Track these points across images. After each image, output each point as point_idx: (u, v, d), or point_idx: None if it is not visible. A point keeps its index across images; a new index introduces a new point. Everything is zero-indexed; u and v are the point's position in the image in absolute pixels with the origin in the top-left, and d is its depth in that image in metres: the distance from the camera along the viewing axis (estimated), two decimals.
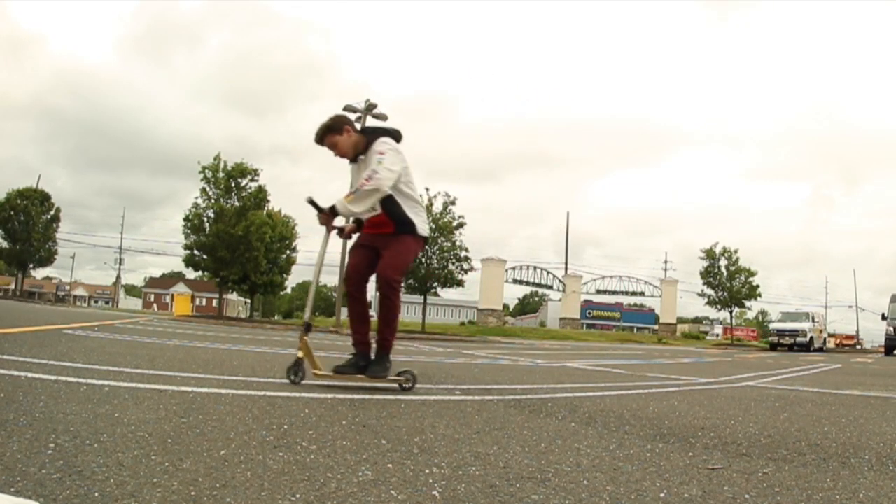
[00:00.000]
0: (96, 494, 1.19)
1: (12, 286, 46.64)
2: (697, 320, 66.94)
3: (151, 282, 76.95)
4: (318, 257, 3.48)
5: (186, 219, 27.25)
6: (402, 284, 3.27)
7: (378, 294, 3.31)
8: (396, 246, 3.31)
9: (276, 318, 53.88)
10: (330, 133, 3.30)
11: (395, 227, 3.31)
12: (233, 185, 27.30)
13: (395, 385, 3.26)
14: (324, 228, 3.32)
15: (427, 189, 22.86)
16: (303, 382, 3.20)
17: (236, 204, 27.31)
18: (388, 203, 3.25)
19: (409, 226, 3.32)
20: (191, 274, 33.78)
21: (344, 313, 29.07)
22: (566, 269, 42.80)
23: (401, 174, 3.23)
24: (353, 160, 3.37)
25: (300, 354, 3.23)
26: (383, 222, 3.32)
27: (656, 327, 44.46)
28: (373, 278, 3.39)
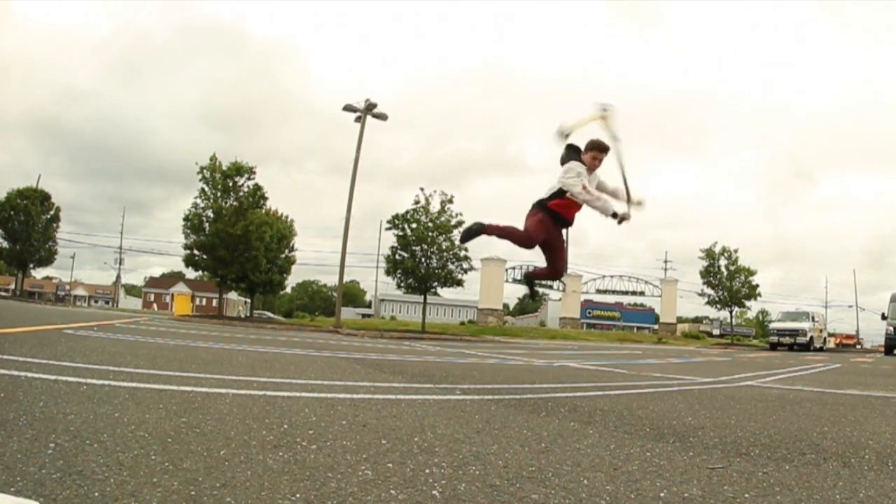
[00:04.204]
0: (96, 494, 1.19)
1: (12, 286, 46.65)
2: (697, 320, 66.94)
3: (151, 281, 76.92)
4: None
5: (186, 219, 27.24)
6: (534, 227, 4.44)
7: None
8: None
9: (274, 316, 53.85)
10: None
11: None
12: (230, 184, 27.30)
13: None
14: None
15: (422, 189, 22.85)
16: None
17: (234, 203, 27.32)
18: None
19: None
20: (191, 273, 33.77)
21: (344, 313, 29.01)
22: (566, 268, 42.75)
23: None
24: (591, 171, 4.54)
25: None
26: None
27: (656, 327, 44.47)
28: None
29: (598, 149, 4.41)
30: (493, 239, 4.55)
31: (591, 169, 4.42)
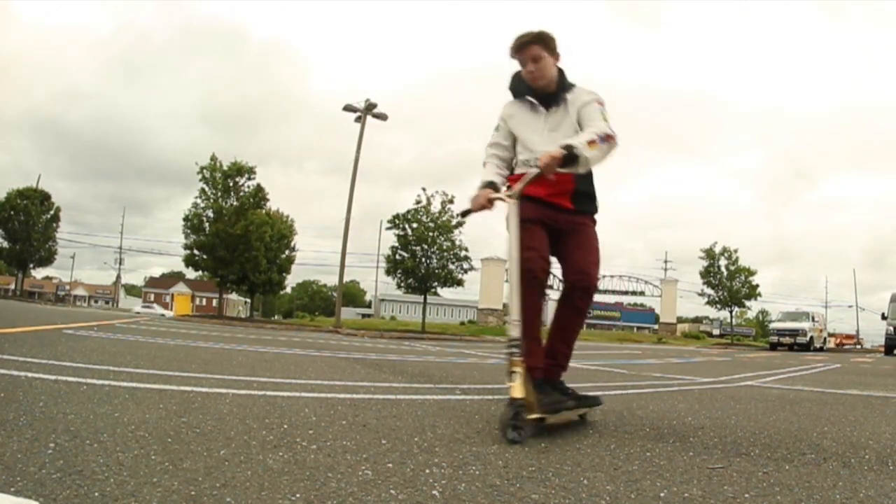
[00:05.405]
0: (96, 494, 1.19)
1: (12, 286, 46.64)
2: (697, 320, 66.93)
3: (151, 281, 76.94)
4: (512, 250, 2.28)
5: (186, 219, 27.29)
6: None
7: (569, 298, 2.46)
8: (588, 234, 2.51)
9: (275, 317, 53.86)
10: (541, 44, 2.43)
11: (575, 204, 2.46)
12: (230, 184, 27.31)
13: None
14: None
15: (424, 189, 22.86)
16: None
17: (234, 203, 27.33)
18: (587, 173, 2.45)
19: (594, 204, 2.55)
20: (191, 274, 33.79)
21: (344, 313, 28.96)
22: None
23: None
24: (542, 97, 2.51)
25: (518, 394, 2.03)
26: (561, 191, 2.42)
27: (656, 327, 44.47)
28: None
29: (514, 49, 2.47)
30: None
31: (533, 78, 2.47)
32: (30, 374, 2.72)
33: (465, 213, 2.56)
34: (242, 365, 4.29)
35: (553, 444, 2.03)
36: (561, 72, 2.53)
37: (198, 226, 27.23)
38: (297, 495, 1.29)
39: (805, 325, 25.96)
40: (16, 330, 5.85)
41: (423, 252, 22.47)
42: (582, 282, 2.43)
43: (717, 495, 1.51)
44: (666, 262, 47.51)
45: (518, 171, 2.52)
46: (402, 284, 23.14)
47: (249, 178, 27.90)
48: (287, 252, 31.70)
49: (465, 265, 23.00)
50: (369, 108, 21.77)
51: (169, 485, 1.29)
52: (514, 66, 2.57)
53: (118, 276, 57.90)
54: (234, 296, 47.77)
